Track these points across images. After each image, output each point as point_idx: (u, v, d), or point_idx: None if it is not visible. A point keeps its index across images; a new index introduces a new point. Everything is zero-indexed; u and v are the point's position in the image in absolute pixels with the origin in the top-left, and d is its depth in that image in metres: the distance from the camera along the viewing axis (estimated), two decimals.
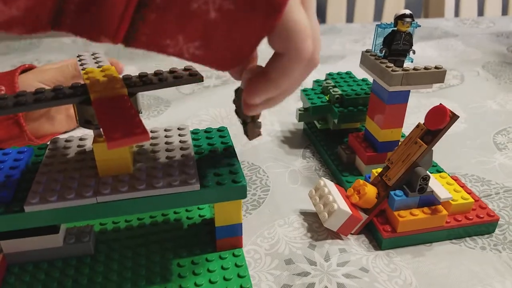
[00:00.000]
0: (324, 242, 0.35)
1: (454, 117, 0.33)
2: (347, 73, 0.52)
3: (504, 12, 1.25)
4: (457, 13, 1.20)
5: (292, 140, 0.51)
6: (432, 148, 0.34)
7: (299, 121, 0.49)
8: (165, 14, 0.20)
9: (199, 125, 0.55)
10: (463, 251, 0.35)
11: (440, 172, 0.42)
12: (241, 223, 0.32)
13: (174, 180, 0.27)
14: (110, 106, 0.23)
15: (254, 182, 0.43)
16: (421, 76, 0.38)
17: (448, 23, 1.03)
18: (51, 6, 0.19)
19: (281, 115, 0.57)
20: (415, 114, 0.57)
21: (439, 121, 0.33)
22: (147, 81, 0.26)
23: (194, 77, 0.29)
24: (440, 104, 0.33)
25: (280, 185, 0.42)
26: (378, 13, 1.27)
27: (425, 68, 0.38)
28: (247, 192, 0.39)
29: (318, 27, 0.25)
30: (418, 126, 0.35)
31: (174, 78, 0.28)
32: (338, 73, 0.52)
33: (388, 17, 1.26)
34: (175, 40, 0.21)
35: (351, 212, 0.34)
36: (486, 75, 0.70)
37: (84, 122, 0.25)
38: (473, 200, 0.36)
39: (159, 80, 0.28)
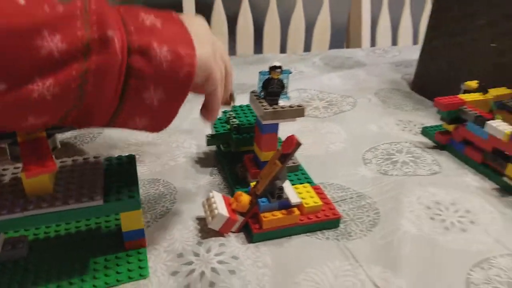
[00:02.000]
0: (209, 240, 0.46)
1: (298, 145, 0.45)
2: (247, 105, 0.64)
3: (415, 41, 1.43)
4: (373, 43, 1.38)
5: (204, 161, 0.63)
6: (295, 164, 0.47)
7: (207, 145, 0.61)
8: (130, 110, 0.34)
9: (127, 148, 0.65)
10: (313, 241, 0.47)
11: (309, 183, 0.55)
12: (143, 228, 0.43)
13: (84, 197, 0.38)
14: (31, 146, 0.34)
15: (165, 196, 0.54)
16: (286, 112, 0.50)
17: (362, 53, 1.19)
18: (57, 119, 0.32)
19: (198, 139, 0.68)
20: (312, 135, 0.70)
21: (288, 147, 0.45)
22: (60, 126, 0.37)
23: None
24: (292, 135, 0.46)
25: (186, 198, 0.54)
26: (307, 44, 1.42)
27: (290, 107, 0.51)
28: (158, 204, 0.50)
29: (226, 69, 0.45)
30: (277, 150, 0.47)
31: None
32: (240, 106, 0.64)
33: (317, 47, 1.42)
34: (133, 120, 0.35)
35: (227, 215, 0.45)
36: (376, 101, 0.85)
37: (13, 157, 0.36)
38: (321, 203, 0.49)
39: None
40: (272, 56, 1.15)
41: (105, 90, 0.31)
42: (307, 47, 1.42)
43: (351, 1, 1.37)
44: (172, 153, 0.64)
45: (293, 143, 0.45)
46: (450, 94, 0.67)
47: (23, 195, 0.37)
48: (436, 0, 0.82)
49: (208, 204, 0.48)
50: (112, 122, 0.34)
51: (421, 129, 0.73)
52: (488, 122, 0.59)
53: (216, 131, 0.60)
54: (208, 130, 0.70)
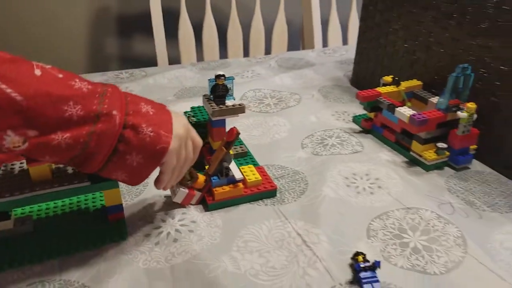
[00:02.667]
0: (174, 210, 0.60)
1: (237, 134, 0.59)
2: (203, 106, 0.78)
3: None
4: (325, 43, 1.53)
5: None
6: (244, 150, 0.61)
7: None
8: (116, 165, 0.47)
9: None
10: (254, 207, 0.61)
11: (254, 164, 0.69)
12: (121, 204, 0.56)
13: (75, 180, 0.51)
14: None
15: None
16: (229, 110, 0.64)
17: (313, 54, 1.34)
18: (66, 161, 0.45)
19: None
20: (261, 128, 0.84)
21: (230, 136, 0.59)
22: None
23: None
24: (234, 127, 0.60)
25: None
26: (268, 46, 1.56)
27: (233, 105, 0.65)
28: (134, 187, 0.63)
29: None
30: (223, 140, 0.61)
31: None
32: (198, 107, 0.78)
33: (276, 49, 1.56)
34: (116, 173, 0.48)
35: (187, 191, 0.59)
36: (318, 97, 1.00)
37: None
38: (261, 179, 0.63)
39: None
40: (233, 61, 1.28)
41: (102, 147, 0.45)
42: (268, 49, 1.56)
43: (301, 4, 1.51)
44: None
45: (233, 133, 0.59)
46: (378, 86, 0.83)
47: (30, 181, 0.50)
48: (364, 9, 0.97)
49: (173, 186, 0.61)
50: (101, 170, 0.47)
51: (352, 118, 0.88)
52: (397, 108, 0.74)
53: None
54: None
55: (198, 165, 0.68)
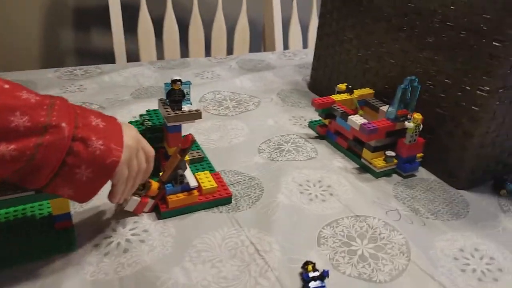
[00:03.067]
0: (125, 219, 0.59)
1: (193, 141, 0.59)
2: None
3: None
4: (286, 46, 1.54)
5: None
6: (200, 156, 0.61)
7: None
8: (63, 180, 0.45)
9: None
10: (209, 215, 0.61)
11: (211, 170, 0.69)
12: (69, 212, 0.55)
13: (22, 189, 0.49)
14: None
15: None
16: (185, 116, 0.64)
17: (274, 56, 1.35)
18: (9, 174, 0.43)
19: None
20: (220, 131, 0.84)
21: (185, 143, 0.59)
22: None
23: None
24: (189, 134, 0.59)
25: (107, 189, 0.65)
26: (230, 47, 1.56)
27: (189, 111, 0.64)
28: None
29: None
30: (178, 146, 0.61)
31: None
32: (153, 110, 0.76)
33: (238, 49, 1.56)
34: (62, 189, 0.46)
35: (139, 199, 0.58)
36: (276, 100, 1.01)
37: None
38: (216, 185, 0.63)
39: None
40: (193, 61, 1.27)
41: (50, 160, 0.43)
42: (230, 49, 1.56)
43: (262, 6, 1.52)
44: None
45: (189, 140, 0.59)
46: (334, 91, 0.85)
47: None
48: (321, 17, 0.99)
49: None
50: (47, 185, 0.45)
51: (308, 123, 0.90)
52: (349, 117, 0.76)
53: None
54: None
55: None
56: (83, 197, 0.49)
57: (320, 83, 1.05)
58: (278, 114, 0.94)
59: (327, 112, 0.81)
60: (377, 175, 0.73)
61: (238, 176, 0.71)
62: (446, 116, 0.71)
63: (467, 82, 0.66)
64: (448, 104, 0.70)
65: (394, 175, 0.75)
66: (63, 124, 0.44)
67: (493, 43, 0.61)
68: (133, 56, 1.44)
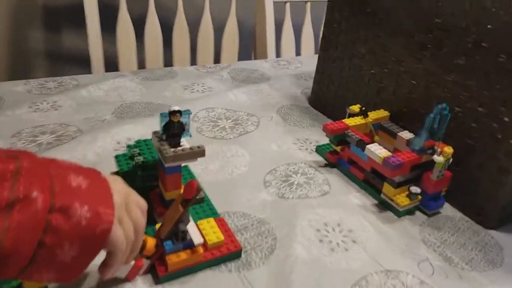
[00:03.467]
0: (119, 285, 0.49)
1: (198, 190, 0.49)
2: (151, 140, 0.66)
3: (317, 49, 1.53)
4: (278, 54, 1.45)
5: None
6: (201, 196, 0.51)
7: None
8: (40, 265, 0.35)
9: None
10: (216, 275, 0.52)
11: (214, 213, 0.59)
12: (46, 286, 0.44)
13: None
14: None
15: None
16: (186, 155, 0.54)
17: (267, 64, 1.26)
18: None
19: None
20: (218, 160, 0.74)
21: (189, 193, 0.49)
22: None
23: None
24: (193, 180, 0.49)
25: None
26: (217, 56, 1.44)
27: (190, 149, 0.54)
28: None
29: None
30: (179, 195, 0.51)
31: None
32: (144, 141, 0.66)
33: (227, 55, 1.45)
34: (40, 274, 0.36)
35: (132, 263, 0.48)
36: (277, 119, 0.92)
37: None
38: (223, 239, 0.53)
39: None
40: (180, 70, 1.16)
41: (22, 245, 0.33)
42: (217, 55, 1.45)
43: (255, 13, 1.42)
44: None
45: (193, 190, 0.49)
46: (340, 110, 0.76)
47: None
48: (326, 27, 0.90)
49: None
50: (22, 274, 0.35)
51: (315, 147, 0.81)
52: (367, 146, 0.68)
53: (121, 168, 0.61)
54: (112, 160, 0.71)
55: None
56: (68, 278, 0.38)
57: (322, 98, 0.96)
58: (281, 137, 0.84)
59: (340, 138, 0.73)
60: (400, 214, 0.65)
61: (245, 220, 0.61)
62: (477, 147, 0.64)
63: (504, 112, 0.59)
64: (480, 134, 0.63)
65: (417, 213, 0.67)
66: (35, 194, 0.34)
67: None
68: (111, 60, 1.31)
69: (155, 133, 0.57)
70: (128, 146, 0.66)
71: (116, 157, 0.63)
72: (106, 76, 1.06)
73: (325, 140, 0.83)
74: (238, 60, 1.39)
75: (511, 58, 0.57)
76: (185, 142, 0.57)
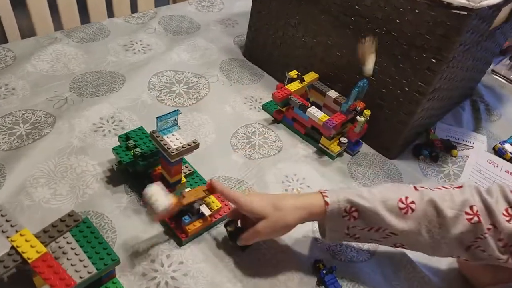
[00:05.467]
0: (157, 255, 0.66)
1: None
2: (139, 128, 0.77)
3: None
4: None
5: (113, 180, 0.75)
6: (190, 171, 0.68)
7: (116, 170, 0.75)
8: None
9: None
10: (223, 230, 0.71)
11: (203, 182, 0.76)
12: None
13: None
14: None
15: (104, 227, 0.68)
16: (186, 150, 0.68)
17: (191, 8, 1.31)
18: None
19: (95, 157, 0.78)
20: (189, 130, 0.88)
21: (213, 190, 0.65)
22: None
23: None
24: (213, 180, 0.65)
25: (121, 225, 0.69)
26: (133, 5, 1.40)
27: (188, 145, 0.68)
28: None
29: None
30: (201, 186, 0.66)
31: None
32: (134, 131, 0.77)
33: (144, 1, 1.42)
34: None
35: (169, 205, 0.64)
36: (222, 78, 1.05)
37: None
38: (220, 205, 0.72)
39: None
40: (109, 24, 1.16)
41: None
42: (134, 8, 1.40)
43: None
44: (84, 180, 0.75)
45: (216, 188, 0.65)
46: (273, 65, 0.95)
47: None
48: None
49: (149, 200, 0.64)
50: None
51: (261, 105, 0.99)
52: (308, 109, 0.88)
53: (123, 159, 0.73)
54: (98, 144, 0.81)
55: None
56: None
57: (257, 54, 1.10)
58: (230, 97, 1.00)
59: (285, 102, 0.91)
60: (334, 157, 0.90)
61: (228, 182, 0.80)
62: (385, 106, 0.88)
63: (406, 85, 0.82)
64: (387, 97, 0.87)
65: (345, 154, 0.92)
66: None
67: (432, 59, 0.76)
68: (25, 26, 1.22)
69: (153, 132, 0.69)
70: (120, 137, 0.77)
71: (114, 149, 0.74)
72: (41, 43, 1.05)
73: (267, 97, 1.01)
74: (156, 6, 1.39)
75: (412, 47, 0.78)
76: (177, 135, 0.70)
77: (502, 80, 1.30)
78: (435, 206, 0.59)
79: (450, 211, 0.58)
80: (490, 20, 0.80)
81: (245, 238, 0.64)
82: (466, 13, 0.68)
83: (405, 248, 0.63)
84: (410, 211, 0.59)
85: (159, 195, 0.61)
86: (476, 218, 0.57)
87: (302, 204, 0.62)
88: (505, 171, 0.94)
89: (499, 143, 1.01)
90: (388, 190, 0.62)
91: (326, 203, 0.61)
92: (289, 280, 0.67)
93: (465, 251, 0.60)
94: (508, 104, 1.20)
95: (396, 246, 0.63)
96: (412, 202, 0.59)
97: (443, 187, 0.61)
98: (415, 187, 0.62)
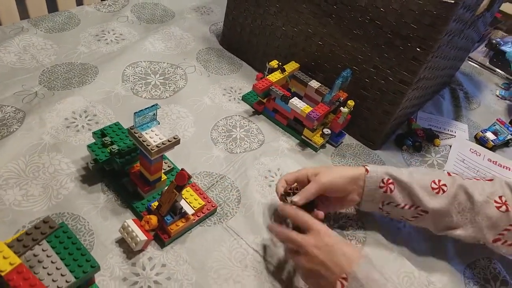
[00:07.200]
0: (137, 258, 0.63)
1: (189, 177, 0.62)
2: (116, 124, 0.73)
3: None
4: None
5: (89, 179, 0.71)
6: (170, 167, 0.65)
7: (92, 169, 0.71)
8: None
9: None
10: (205, 229, 0.69)
11: None
12: None
13: None
14: None
15: (81, 230, 0.65)
16: (167, 147, 0.65)
17: None
18: None
19: (68, 154, 0.74)
20: (167, 124, 0.85)
21: (182, 180, 0.62)
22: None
23: None
24: (182, 170, 0.62)
25: (98, 225, 0.66)
26: None
27: (169, 141, 0.65)
28: (80, 239, 0.62)
29: None
30: (172, 182, 0.63)
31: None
32: (110, 127, 0.72)
33: None
34: None
35: (146, 238, 0.62)
36: (200, 69, 1.01)
37: None
38: (204, 203, 0.70)
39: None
40: (79, 13, 1.10)
41: None
42: None
43: None
44: (57, 180, 0.70)
45: (185, 178, 0.62)
46: (252, 54, 0.91)
47: None
48: None
49: (127, 232, 0.63)
50: None
51: (241, 96, 0.96)
52: (290, 100, 0.85)
53: (99, 157, 0.69)
54: (71, 140, 0.76)
55: (131, 194, 0.69)
56: None
57: (234, 42, 1.07)
58: (209, 88, 0.96)
59: (266, 93, 0.89)
60: (317, 149, 0.88)
61: (210, 178, 0.77)
62: (369, 96, 0.86)
63: (390, 74, 0.81)
64: (371, 87, 0.85)
65: (328, 145, 0.90)
66: None
67: (417, 49, 0.75)
68: None
69: (131, 128, 0.66)
70: (95, 133, 0.73)
71: (89, 146, 0.70)
72: (5, 33, 0.98)
73: (247, 87, 0.98)
74: None
75: (396, 36, 0.76)
76: (156, 130, 0.67)
77: (478, 67, 1.31)
78: (465, 191, 0.64)
79: (480, 196, 0.63)
80: (475, 8, 0.79)
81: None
82: (453, 1, 0.67)
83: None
84: (441, 191, 0.64)
85: (136, 229, 0.62)
86: (504, 207, 0.62)
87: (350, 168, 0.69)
88: (488, 160, 0.95)
89: (481, 131, 1.01)
90: (423, 172, 0.68)
91: (367, 170, 0.67)
92: (276, 281, 0.65)
93: (493, 243, 0.64)
94: (486, 91, 1.21)
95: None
96: (444, 185, 0.65)
97: (475, 178, 0.67)
98: (448, 173, 0.68)
